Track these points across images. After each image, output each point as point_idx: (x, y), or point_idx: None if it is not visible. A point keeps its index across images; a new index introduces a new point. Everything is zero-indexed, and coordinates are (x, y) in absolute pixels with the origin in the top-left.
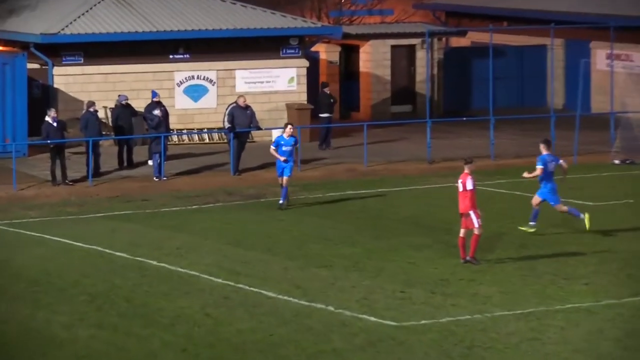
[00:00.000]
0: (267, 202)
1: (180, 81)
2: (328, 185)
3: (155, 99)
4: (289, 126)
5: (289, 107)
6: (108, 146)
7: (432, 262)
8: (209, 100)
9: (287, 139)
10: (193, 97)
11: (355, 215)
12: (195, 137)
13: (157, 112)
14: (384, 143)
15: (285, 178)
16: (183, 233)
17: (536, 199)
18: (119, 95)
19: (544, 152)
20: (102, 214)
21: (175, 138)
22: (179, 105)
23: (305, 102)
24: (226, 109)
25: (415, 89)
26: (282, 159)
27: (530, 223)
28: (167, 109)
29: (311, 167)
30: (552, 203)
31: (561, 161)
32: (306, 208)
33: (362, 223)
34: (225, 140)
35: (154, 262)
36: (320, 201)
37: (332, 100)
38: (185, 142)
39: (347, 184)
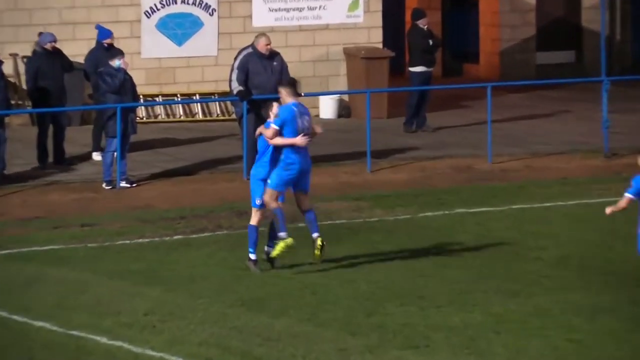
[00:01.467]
0: (306, 227)
1: (150, 8)
2: (420, 198)
3: (106, 41)
4: (275, 105)
5: (349, 54)
6: (20, 126)
7: (614, 339)
8: (204, 44)
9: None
10: (175, 37)
11: (470, 252)
12: (179, 109)
13: (119, 62)
14: (524, 120)
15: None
16: (156, 286)
17: None
18: (40, 34)
19: None
20: (7, 251)
21: (142, 112)
22: (149, 52)
23: (380, 46)
24: (235, 59)
25: (581, 24)
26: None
27: None
28: (129, 59)
29: (390, 164)
30: None
31: None
32: (379, 239)
33: (483, 267)
34: (233, 116)
35: (103, 340)
36: (406, 226)
37: (431, 43)
38: (161, 119)
39: (455, 194)
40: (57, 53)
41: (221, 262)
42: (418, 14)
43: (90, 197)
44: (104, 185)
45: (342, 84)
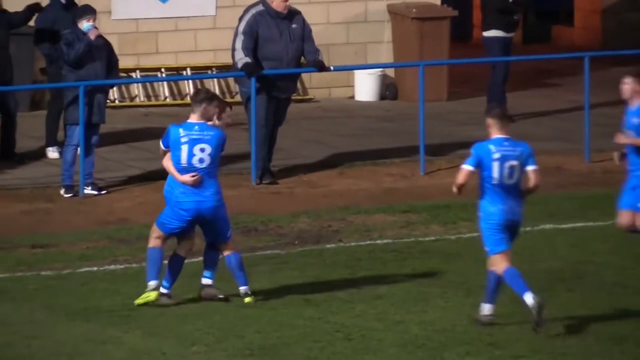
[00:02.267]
0: (340, 249)
1: None
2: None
3: None
4: (226, 110)
5: (396, 14)
6: None
7: None
8: (198, 1)
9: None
10: None
11: (562, 284)
12: (164, 89)
13: (88, 24)
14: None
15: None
16: (134, 329)
17: None
18: None
19: None
20: None
21: (115, 93)
22: (123, 11)
23: (438, 3)
24: (240, 20)
25: None
26: (186, 179)
27: None
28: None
29: (450, 163)
30: None
31: None
32: (435, 265)
33: (579, 304)
34: (237, 97)
35: None
36: (472, 248)
37: (512, 0)
38: (139, 101)
39: (539, 204)
40: (2, 11)
41: (223, 298)
42: None
43: (44, 209)
44: (62, 191)
45: (385, 54)
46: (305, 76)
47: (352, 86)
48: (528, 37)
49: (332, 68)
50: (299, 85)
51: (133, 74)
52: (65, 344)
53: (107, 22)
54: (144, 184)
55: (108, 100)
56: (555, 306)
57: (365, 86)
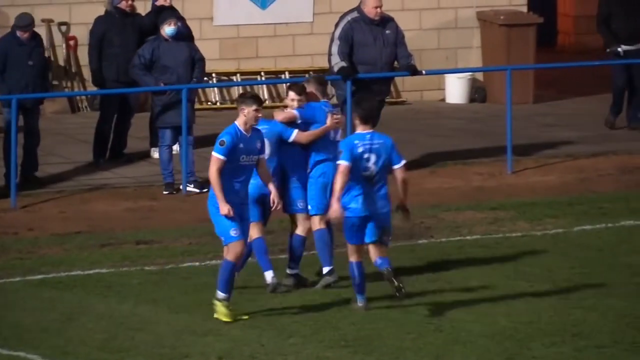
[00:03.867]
0: (432, 244)
1: None
2: (577, 207)
3: (160, 0)
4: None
5: (485, 20)
6: (54, 114)
7: None
8: (295, 7)
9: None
10: None
11: None
12: (263, 91)
13: (170, 29)
14: None
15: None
16: (233, 323)
17: None
18: None
19: None
20: (41, 276)
21: (216, 95)
22: (224, 18)
23: (525, 10)
24: (336, 27)
25: None
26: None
27: None
28: (197, 27)
29: (537, 162)
30: None
31: None
32: (523, 260)
33: None
34: (334, 100)
35: None
36: (558, 243)
37: None
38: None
39: (622, 202)
40: (129, 14)
41: (320, 290)
42: None
43: (148, 206)
44: (164, 191)
45: (474, 58)
46: (398, 80)
47: (443, 89)
48: None
49: (424, 72)
50: (392, 88)
51: (233, 77)
52: (167, 336)
53: (209, 28)
54: None
55: (210, 102)
56: (636, 299)
57: (455, 89)
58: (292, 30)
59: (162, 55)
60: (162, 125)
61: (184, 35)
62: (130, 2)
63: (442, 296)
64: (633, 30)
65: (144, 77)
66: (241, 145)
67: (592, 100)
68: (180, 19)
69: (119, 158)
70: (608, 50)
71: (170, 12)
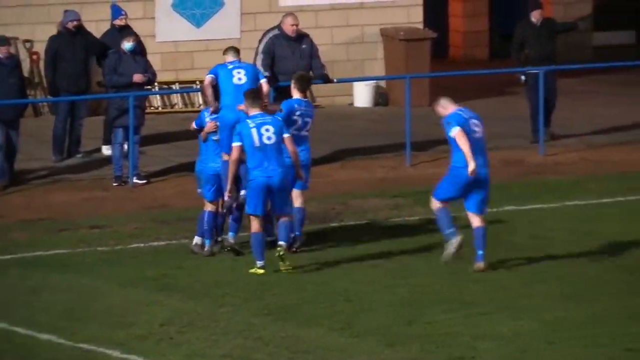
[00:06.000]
0: (342, 227)
1: None
2: None
3: (117, 21)
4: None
5: (387, 36)
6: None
7: None
8: (225, 25)
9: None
10: (193, 17)
11: (521, 253)
12: (198, 98)
13: (129, 45)
14: (580, 108)
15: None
16: (174, 293)
17: None
18: (66, 12)
19: None
20: (9, 256)
21: (158, 101)
22: (165, 35)
23: (421, 27)
24: (259, 42)
25: None
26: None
27: None
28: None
29: (432, 157)
30: None
31: None
32: (420, 240)
33: (535, 270)
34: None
35: (115, 354)
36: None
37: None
38: (178, 109)
39: (504, 190)
40: (80, 31)
41: (247, 267)
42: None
43: (100, 196)
44: (114, 182)
45: (378, 68)
46: (313, 87)
47: (352, 95)
48: (492, 54)
49: (335, 80)
50: (308, 94)
51: (173, 86)
52: (117, 307)
53: (152, 44)
54: (182, 175)
55: (152, 107)
56: (515, 272)
57: (362, 95)
58: (223, 45)
59: (121, 65)
60: (116, 125)
61: (139, 51)
62: (75, 24)
63: (352, 271)
64: (544, 54)
65: (118, 79)
66: None
67: (479, 103)
68: (136, 36)
69: (74, 155)
70: (523, 78)
71: (130, 30)
